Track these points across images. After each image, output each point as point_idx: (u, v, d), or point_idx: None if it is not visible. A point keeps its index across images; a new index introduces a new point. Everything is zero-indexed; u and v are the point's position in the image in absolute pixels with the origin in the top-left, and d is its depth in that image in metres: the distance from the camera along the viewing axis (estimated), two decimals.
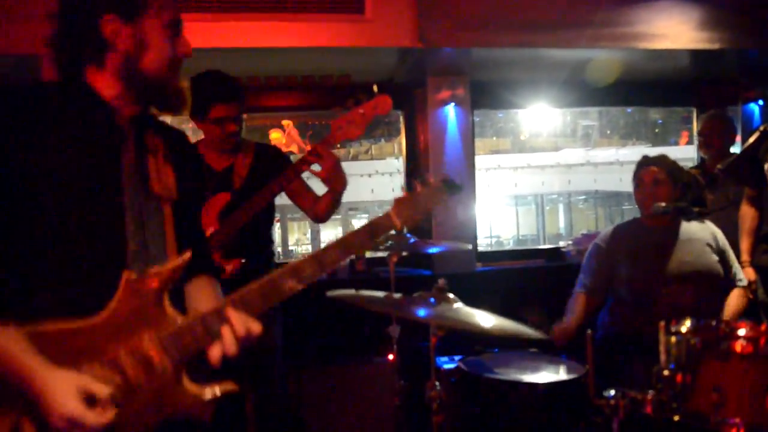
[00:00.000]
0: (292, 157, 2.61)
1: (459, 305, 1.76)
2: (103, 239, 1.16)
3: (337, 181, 2.25)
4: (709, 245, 2.53)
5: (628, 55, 3.42)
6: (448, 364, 2.63)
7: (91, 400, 1.04)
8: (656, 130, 16.40)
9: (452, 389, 2.15)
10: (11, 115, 1.12)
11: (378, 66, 3.54)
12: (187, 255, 1.17)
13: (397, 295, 1.85)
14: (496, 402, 2.01)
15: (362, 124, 2.18)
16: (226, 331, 1.13)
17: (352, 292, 1.96)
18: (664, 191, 2.49)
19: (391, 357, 2.69)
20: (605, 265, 2.55)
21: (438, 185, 1.33)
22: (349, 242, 1.24)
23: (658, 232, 2.53)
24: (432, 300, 1.76)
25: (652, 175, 2.53)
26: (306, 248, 17.19)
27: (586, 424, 1.63)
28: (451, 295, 1.79)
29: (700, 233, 2.55)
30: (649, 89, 4.10)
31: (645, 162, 2.60)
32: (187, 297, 1.30)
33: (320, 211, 2.41)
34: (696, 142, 3.75)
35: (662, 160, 2.57)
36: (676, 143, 13.55)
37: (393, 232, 1.30)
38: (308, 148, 2.20)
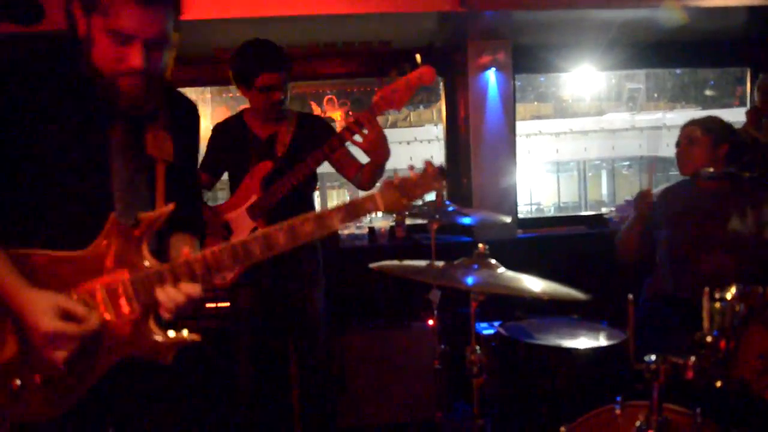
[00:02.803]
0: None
1: (502, 270, 1.77)
2: (90, 194, 1.26)
3: (379, 153, 2.27)
4: (762, 212, 2.45)
5: (674, 15, 3.28)
6: (487, 330, 2.66)
7: (68, 317, 1.15)
8: (707, 92, 15.72)
9: (492, 354, 2.18)
10: (9, 74, 1.21)
11: (418, 31, 3.49)
12: (170, 207, 1.25)
13: (440, 263, 1.87)
14: (536, 367, 2.03)
15: (406, 94, 2.17)
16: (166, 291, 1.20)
17: (394, 262, 1.99)
18: (698, 151, 2.42)
19: (431, 322, 2.75)
20: (659, 214, 2.52)
21: (433, 173, 1.31)
22: (326, 219, 1.24)
23: (706, 197, 2.45)
24: (475, 266, 1.77)
25: (689, 133, 2.46)
26: None
27: (626, 390, 1.64)
28: (493, 261, 1.80)
29: (754, 199, 2.46)
30: (700, 49, 3.93)
31: (686, 123, 2.55)
32: (170, 248, 1.39)
33: (364, 180, 2.43)
34: (749, 103, 3.60)
35: (705, 120, 2.50)
36: (729, 105, 12.97)
37: (377, 214, 1.30)
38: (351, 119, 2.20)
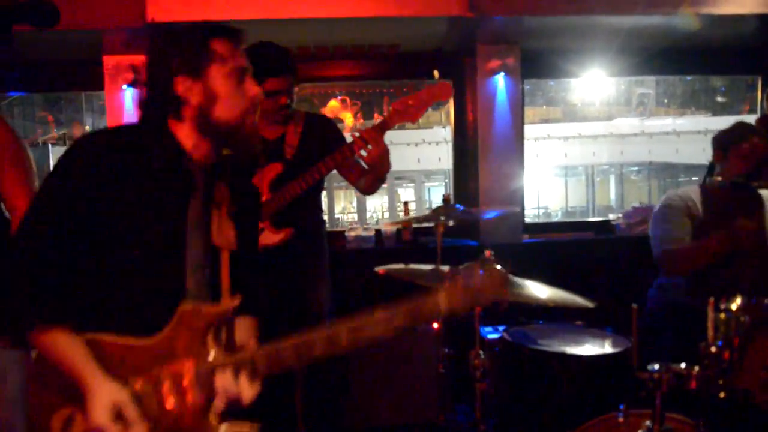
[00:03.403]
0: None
1: (509, 276, 1.77)
2: (164, 278, 1.29)
3: (380, 168, 2.28)
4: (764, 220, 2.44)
5: (688, 21, 3.27)
6: (491, 334, 2.66)
7: (121, 416, 1.19)
8: (718, 99, 15.63)
9: (496, 359, 2.19)
10: (96, 165, 1.25)
11: (428, 35, 3.51)
12: (235, 301, 1.29)
13: (445, 268, 1.88)
14: (539, 373, 2.03)
15: (421, 108, 2.20)
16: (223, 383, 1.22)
17: (401, 266, 2.00)
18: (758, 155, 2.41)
19: (435, 325, 2.75)
20: (688, 218, 2.43)
21: (502, 275, 1.20)
22: (391, 323, 1.21)
23: (725, 204, 2.43)
24: (480, 272, 1.77)
25: (752, 143, 2.42)
26: (352, 216, 17.38)
27: (629, 398, 1.64)
28: (498, 266, 1.80)
29: (758, 208, 2.46)
30: (710, 56, 3.92)
31: (747, 131, 2.49)
32: (234, 330, 1.41)
33: (365, 186, 2.45)
34: (759, 111, 3.58)
35: (754, 129, 2.49)
36: (739, 113, 12.89)
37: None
38: (360, 121, 2.23)
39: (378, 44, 3.58)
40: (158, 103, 1.31)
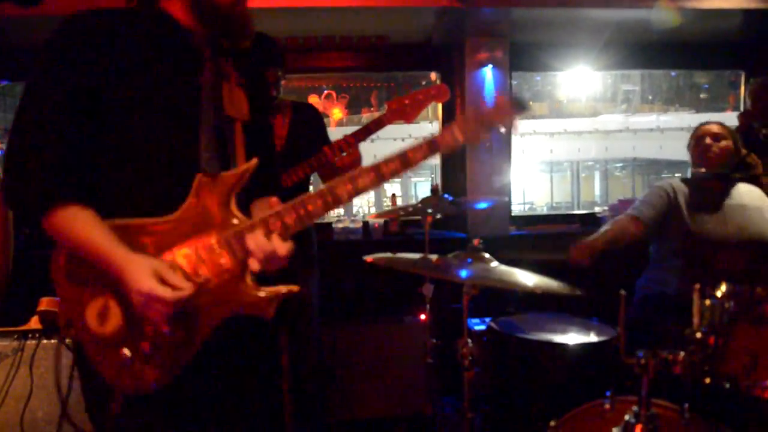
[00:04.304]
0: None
1: (495, 264, 1.79)
2: (180, 150, 1.24)
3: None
4: (763, 212, 2.48)
5: (667, 16, 3.30)
6: (479, 326, 2.67)
7: (165, 280, 1.15)
8: (702, 96, 15.81)
9: (483, 348, 2.19)
10: (95, 35, 1.19)
11: (416, 27, 3.50)
12: (254, 161, 1.25)
13: (433, 257, 1.88)
14: (526, 362, 2.05)
15: (417, 109, 2.22)
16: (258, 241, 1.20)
17: (388, 255, 2.00)
18: (725, 148, 2.45)
19: (423, 317, 2.76)
20: (666, 209, 2.48)
21: (505, 102, 1.30)
22: (409, 157, 1.25)
23: (715, 195, 2.48)
24: (468, 260, 1.78)
25: (711, 130, 2.48)
26: (340, 211, 17.34)
27: (616, 385, 1.66)
28: (486, 255, 1.81)
29: (754, 199, 2.50)
30: (695, 51, 3.96)
31: (703, 123, 2.57)
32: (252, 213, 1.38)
33: None
34: (743, 106, 3.63)
35: (720, 123, 2.55)
36: (724, 109, 13.06)
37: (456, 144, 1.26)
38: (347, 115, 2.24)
39: (367, 35, 3.57)
40: None
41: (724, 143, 2.46)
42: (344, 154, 2.23)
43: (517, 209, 13.59)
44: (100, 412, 1.25)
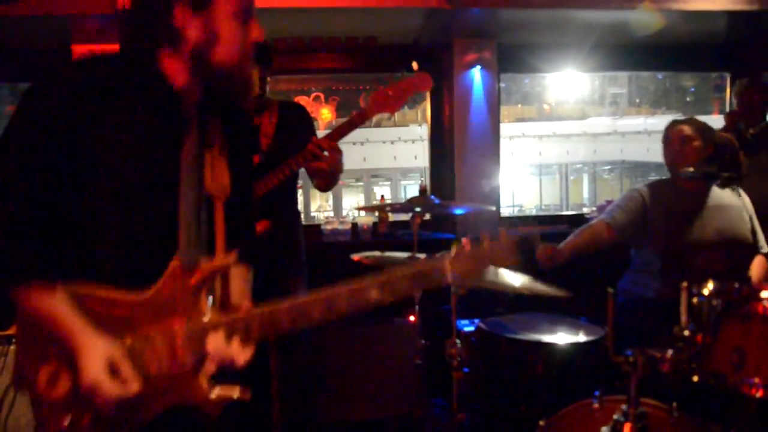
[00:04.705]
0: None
1: None
2: (155, 227, 1.19)
3: (334, 171, 2.29)
4: (741, 212, 2.49)
5: (660, 17, 3.33)
6: (468, 327, 2.67)
7: (115, 371, 1.12)
8: (688, 99, 15.98)
9: (472, 349, 2.19)
10: (80, 89, 1.13)
11: (404, 28, 3.50)
12: (233, 257, 1.20)
13: (422, 256, 1.87)
14: (515, 362, 2.04)
15: (401, 100, 2.18)
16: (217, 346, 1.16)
17: (376, 253, 1.99)
18: (693, 149, 2.45)
19: (412, 318, 2.75)
20: (639, 215, 2.48)
21: (509, 244, 1.19)
22: (392, 286, 1.16)
23: (692, 197, 2.48)
24: (489, 240, 1.76)
25: (680, 133, 2.49)
26: (328, 214, 17.32)
27: (604, 385, 1.66)
28: (507, 235, 1.79)
29: (733, 200, 2.51)
30: (681, 53, 4.00)
31: (673, 123, 2.57)
32: (229, 281, 1.33)
33: (318, 184, 2.43)
34: (729, 108, 3.66)
35: (691, 120, 2.54)
36: (710, 112, 13.19)
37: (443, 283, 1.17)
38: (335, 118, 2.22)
39: (355, 36, 3.56)
40: (151, 33, 1.16)
41: (695, 144, 2.46)
42: (326, 153, 2.20)
43: (506, 212, 13.66)
44: None
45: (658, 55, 4.01)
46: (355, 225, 3.67)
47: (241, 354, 1.16)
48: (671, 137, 2.52)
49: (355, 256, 1.85)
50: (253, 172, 1.45)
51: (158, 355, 1.16)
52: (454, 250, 1.16)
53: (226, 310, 1.24)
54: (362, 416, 2.98)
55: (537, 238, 2.45)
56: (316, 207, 18.16)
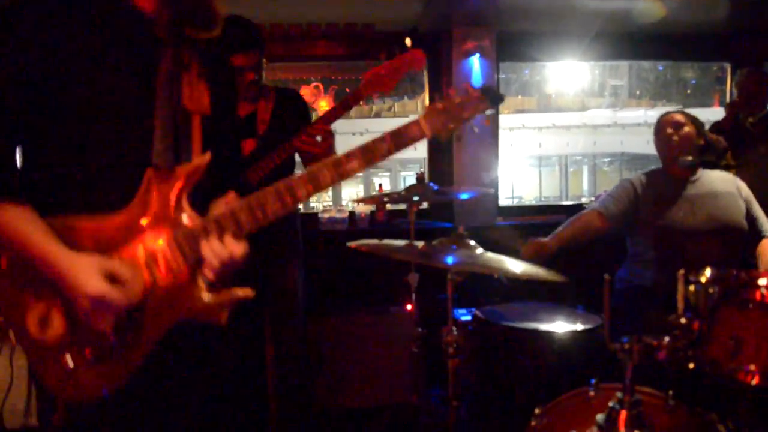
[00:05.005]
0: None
1: (481, 251, 1.77)
2: (132, 143, 1.17)
3: (328, 156, 2.27)
4: (736, 198, 2.49)
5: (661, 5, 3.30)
6: (465, 316, 2.66)
7: (114, 280, 1.08)
8: (688, 91, 15.92)
9: (469, 337, 2.18)
10: (43, 17, 1.12)
11: (403, 14, 3.47)
12: (207, 156, 1.18)
13: (419, 243, 1.86)
14: (511, 350, 2.04)
15: (394, 78, 2.16)
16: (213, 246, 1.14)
17: (373, 241, 1.97)
18: (685, 135, 2.45)
19: (409, 307, 2.74)
20: (630, 204, 2.50)
21: (477, 94, 1.22)
22: (372, 150, 1.18)
23: (684, 185, 2.48)
24: (453, 246, 1.76)
25: (672, 119, 2.49)
26: (327, 204, 17.30)
27: (601, 373, 1.65)
28: (471, 242, 1.79)
29: (726, 186, 2.51)
30: (682, 43, 3.97)
31: (664, 114, 2.58)
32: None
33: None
34: (729, 98, 3.64)
35: (682, 112, 2.56)
36: (710, 105, 13.15)
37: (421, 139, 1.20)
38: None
39: (353, 23, 3.53)
40: None
41: (686, 130, 2.47)
42: (319, 138, 2.18)
43: (506, 203, 13.64)
44: (45, 422, 1.19)
45: (658, 45, 3.98)
46: (352, 213, 3.66)
47: (237, 249, 1.14)
48: (663, 124, 2.53)
49: (352, 244, 1.83)
50: (230, 94, 1.43)
51: (152, 269, 1.13)
52: (426, 108, 1.21)
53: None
54: (359, 404, 3.00)
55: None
56: (316, 198, 18.15)
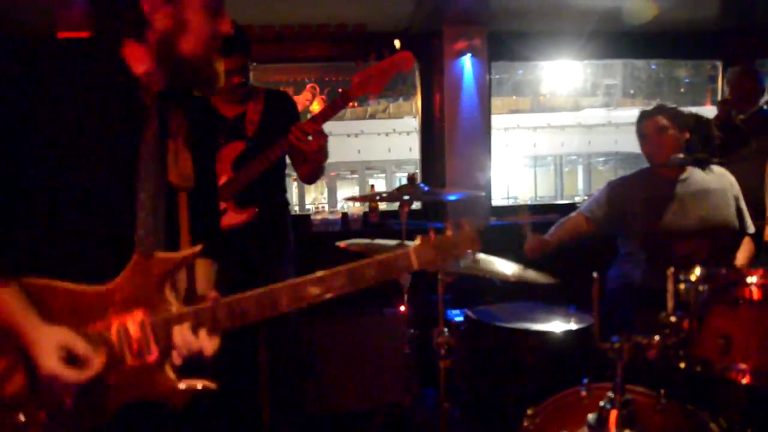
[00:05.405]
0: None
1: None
2: (112, 219, 1.17)
3: (319, 158, 2.27)
4: (726, 196, 2.48)
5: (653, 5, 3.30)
6: (458, 316, 2.65)
7: (74, 359, 1.09)
8: (682, 90, 15.99)
9: (461, 337, 2.17)
10: (38, 71, 1.11)
11: (394, 14, 3.46)
12: (198, 249, 1.19)
13: (410, 243, 1.85)
14: (503, 350, 2.03)
15: (384, 79, 2.16)
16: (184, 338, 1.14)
17: (363, 241, 1.97)
18: (669, 137, 2.44)
19: (402, 308, 2.73)
20: (615, 207, 2.50)
21: (471, 233, 1.25)
22: (359, 274, 1.19)
23: (673, 184, 2.47)
24: (452, 229, 1.74)
25: (654, 123, 2.47)
26: (322, 204, 17.29)
27: (593, 373, 1.65)
28: (469, 224, 1.78)
29: (718, 183, 2.50)
30: (674, 41, 3.97)
31: (643, 115, 2.55)
32: (195, 273, 1.32)
33: (303, 175, 2.40)
34: (721, 96, 3.64)
35: (660, 108, 2.53)
36: (703, 103, 13.20)
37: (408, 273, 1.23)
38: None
39: (344, 23, 3.52)
40: (117, 17, 1.15)
41: (670, 133, 2.44)
42: (310, 137, 2.18)
43: (501, 203, 13.66)
44: None
45: (650, 44, 3.98)
46: (345, 215, 3.65)
47: (209, 344, 1.15)
48: (647, 130, 2.51)
49: (342, 243, 1.82)
50: (213, 163, 1.43)
51: (122, 348, 1.14)
52: (418, 240, 1.21)
53: (191, 303, 1.22)
54: (352, 406, 2.98)
55: (528, 228, 2.45)
56: (311, 200, 18.12)
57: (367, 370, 2.99)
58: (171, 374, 1.16)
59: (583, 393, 1.58)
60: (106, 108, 1.15)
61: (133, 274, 1.15)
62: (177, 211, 1.25)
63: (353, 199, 2.60)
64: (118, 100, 1.17)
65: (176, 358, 1.15)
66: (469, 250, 1.24)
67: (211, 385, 1.18)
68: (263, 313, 1.16)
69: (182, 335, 1.14)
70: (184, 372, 1.19)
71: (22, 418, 1.12)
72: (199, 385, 1.17)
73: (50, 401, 1.12)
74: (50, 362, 1.07)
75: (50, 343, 1.08)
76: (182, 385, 1.16)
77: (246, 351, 2.80)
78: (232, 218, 2.30)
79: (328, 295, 1.17)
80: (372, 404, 2.99)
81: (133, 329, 1.14)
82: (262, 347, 2.79)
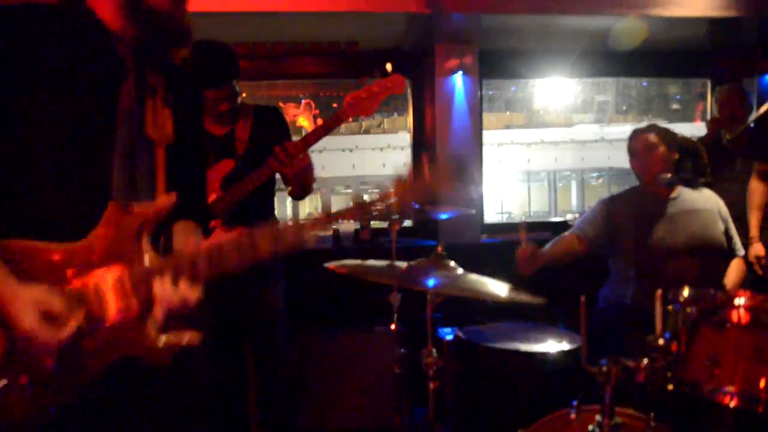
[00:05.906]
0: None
1: (461, 272, 1.75)
2: (90, 172, 1.15)
3: (304, 180, 2.33)
4: (715, 216, 2.49)
5: (643, 24, 3.34)
6: (449, 335, 2.63)
7: (50, 317, 1.05)
8: (673, 107, 16.12)
9: (450, 358, 2.16)
10: (6, 33, 1.10)
11: (386, 32, 3.49)
12: (172, 198, 1.17)
13: (401, 264, 1.84)
14: (493, 370, 2.01)
15: (374, 102, 2.18)
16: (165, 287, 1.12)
17: (353, 262, 1.95)
18: (659, 155, 2.44)
19: (392, 326, 2.71)
20: (606, 225, 2.50)
21: (448, 170, 1.25)
22: (341, 217, 1.21)
23: (663, 203, 2.48)
24: (432, 268, 1.74)
25: (643, 141, 2.49)
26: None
27: (583, 394, 1.63)
28: (451, 263, 1.78)
29: (706, 203, 2.50)
30: (664, 60, 4.02)
31: (635, 132, 2.57)
32: (173, 235, 1.29)
33: (292, 193, 2.42)
34: (710, 114, 3.67)
35: (652, 127, 2.55)
36: (693, 119, 13.32)
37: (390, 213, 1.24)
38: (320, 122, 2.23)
39: (336, 41, 3.54)
40: None
41: (660, 150, 2.46)
42: (296, 157, 2.18)
43: (495, 219, 13.66)
44: None
45: (640, 62, 4.02)
46: (336, 231, 3.63)
47: (190, 294, 1.12)
48: (636, 147, 2.52)
49: (331, 265, 1.81)
50: (195, 123, 1.42)
51: (100, 304, 1.10)
52: (395, 177, 1.23)
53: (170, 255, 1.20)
54: (342, 425, 2.95)
55: (524, 229, 2.44)
56: (305, 215, 18.07)
57: (357, 389, 2.96)
58: (153, 330, 1.14)
59: (573, 415, 1.56)
60: (82, 60, 1.14)
61: (108, 228, 1.13)
62: (154, 164, 1.22)
63: (341, 213, 2.58)
64: (93, 53, 1.16)
65: (158, 312, 1.12)
66: (449, 188, 1.25)
67: (195, 338, 1.15)
68: (243, 258, 1.14)
69: (162, 287, 1.11)
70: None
71: (2, 382, 1.09)
72: (183, 338, 1.14)
73: (30, 363, 1.09)
74: (26, 322, 1.03)
75: (25, 303, 1.04)
76: (165, 339, 1.14)
77: (234, 370, 2.77)
78: (220, 237, 2.29)
79: (308, 240, 1.17)
80: (363, 423, 2.95)
81: (112, 284, 1.11)
82: (251, 365, 2.77)
